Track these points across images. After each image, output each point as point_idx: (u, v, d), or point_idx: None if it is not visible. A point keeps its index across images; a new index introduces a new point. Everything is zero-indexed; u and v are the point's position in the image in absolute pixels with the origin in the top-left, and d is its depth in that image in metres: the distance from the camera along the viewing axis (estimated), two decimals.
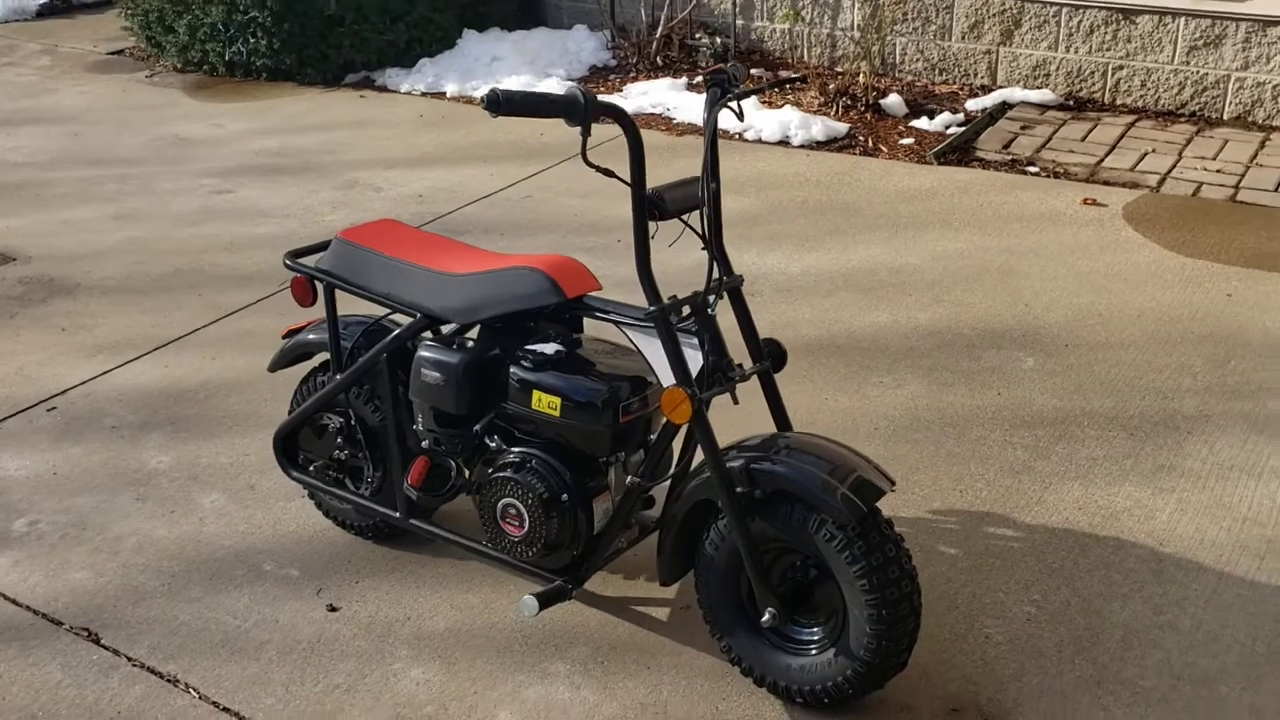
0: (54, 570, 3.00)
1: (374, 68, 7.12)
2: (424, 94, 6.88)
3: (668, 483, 2.64)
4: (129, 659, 2.70)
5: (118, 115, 6.76)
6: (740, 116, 2.45)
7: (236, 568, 2.99)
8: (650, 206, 2.31)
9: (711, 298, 2.40)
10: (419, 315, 2.65)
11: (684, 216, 2.36)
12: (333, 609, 2.83)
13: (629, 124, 2.22)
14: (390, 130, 6.29)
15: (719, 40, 6.93)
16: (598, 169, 2.22)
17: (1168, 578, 2.80)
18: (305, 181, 5.60)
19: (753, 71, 6.60)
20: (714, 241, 2.38)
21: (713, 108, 2.42)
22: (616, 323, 2.48)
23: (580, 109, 2.14)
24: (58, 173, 5.85)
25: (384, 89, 7.01)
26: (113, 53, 8.12)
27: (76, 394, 3.83)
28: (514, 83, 6.70)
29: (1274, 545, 2.89)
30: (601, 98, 2.40)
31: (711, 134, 2.37)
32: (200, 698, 2.58)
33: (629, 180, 2.28)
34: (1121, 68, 5.98)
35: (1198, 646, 2.59)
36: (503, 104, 2.07)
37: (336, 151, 6.00)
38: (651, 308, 2.32)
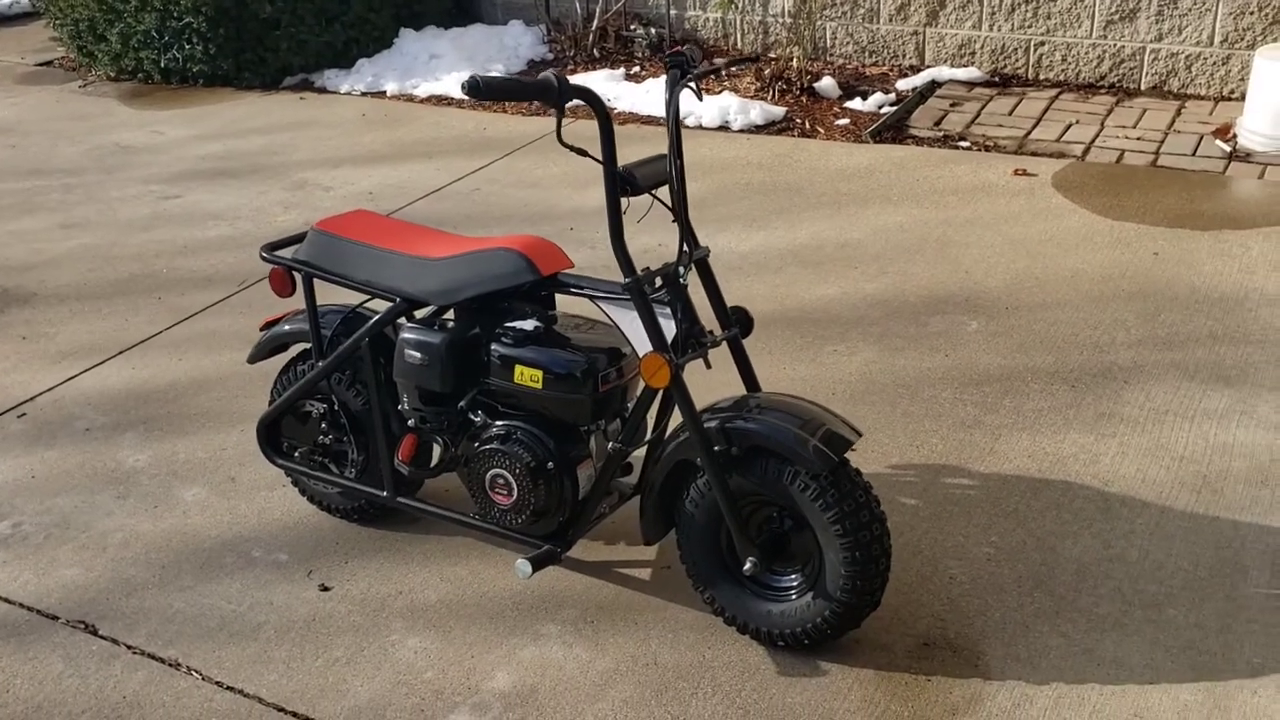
0: (43, 568, 3.05)
1: (312, 70, 7.15)
2: (364, 94, 6.93)
3: (643, 449, 2.76)
4: (128, 647, 2.77)
5: (53, 126, 6.73)
6: (700, 96, 2.58)
7: (225, 556, 3.06)
8: (622, 183, 2.43)
9: (682, 268, 2.53)
10: (398, 300, 2.75)
11: (654, 192, 2.49)
12: (325, 589, 2.92)
13: (600, 105, 2.34)
14: (333, 130, 6.34)
15: (653, 31, 7.07)
16: (571, 148, 2.33)
17: (1114, 514, 2.99)
18: (253, 184, 5.64)
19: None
20: (682, 215, 2.52)
21: (674, 88, 2.54)
22: (591, 296, 2.60)
23: (554, 91, 2.26)
24: None
25: (323, 90, 7.05)
26: (41, 64, 8.05)
27: (45, 400, 3.86)
28: (454, 79, 6.78)
29: (1209, 481, 3.10)
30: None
31: (675, 113, 2.50)
32: (203, 679, 2.66)
33: (600, 159, 2.39)
34: (1043, 44, 6.22)
35: (1145, 575, 2.78)
36: (483, 89, 2.18)
37: (281, 153, 6.03)
38: (627, 279, 2.45)
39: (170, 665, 2.71)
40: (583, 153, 2.38)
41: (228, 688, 2.63)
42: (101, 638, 2.80)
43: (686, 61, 2.56)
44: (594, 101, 2.33)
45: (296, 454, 3.07)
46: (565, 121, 2.31)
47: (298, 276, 2.90)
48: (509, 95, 2.24)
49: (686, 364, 2.53)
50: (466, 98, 6.51)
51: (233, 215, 5.28)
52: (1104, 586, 2.75)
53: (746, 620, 2.61)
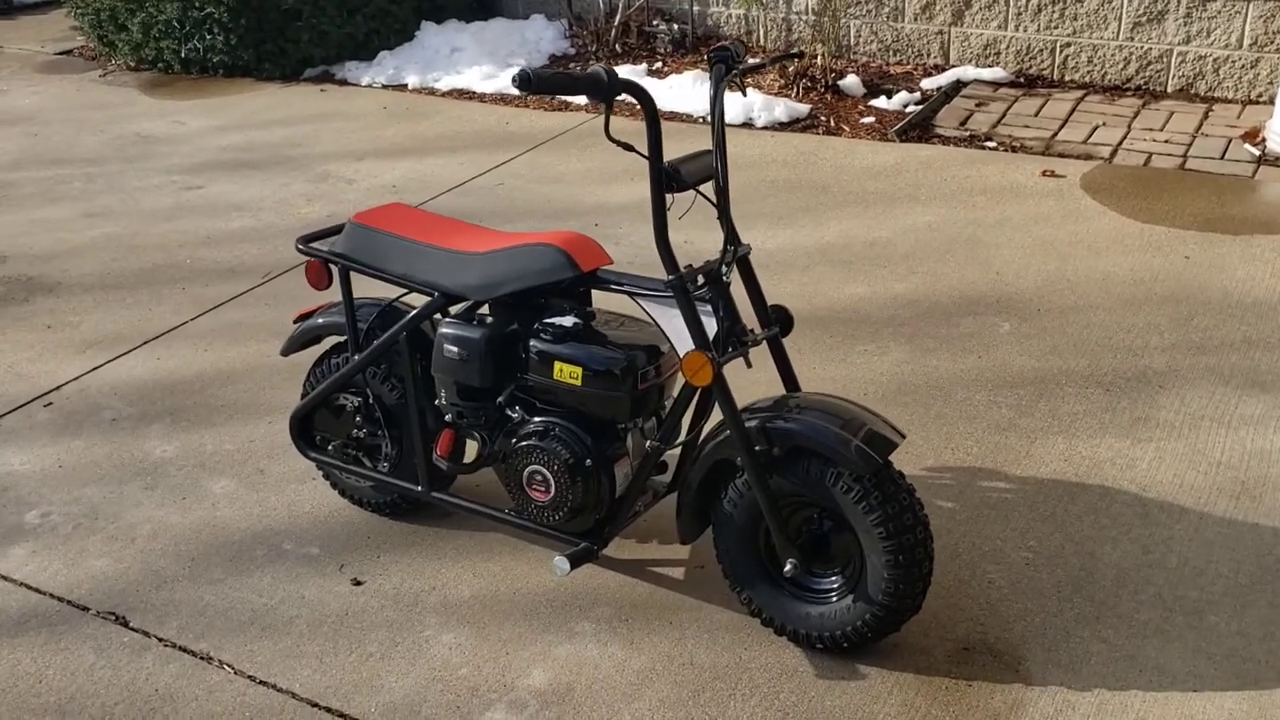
0: (73, 559, 3.04)
1: (333, 61, 7.13)
2: (385, 86, 6.91)
3: (678, 449, 2.74)
4: (160, 639, 2.75)
5: (75, 115, 6.71)
6: (744, 92, 2.56)
7: (256, 549, 3.05)
8: (667, 179, 2.40)
9: (725, 266, 2.51)
10: (436, 294, 2.73)
11: (698, 189, 2.47)
12: (357, 583, 2.90)
13: (648, 101, 2.32)
14: (355, 123, 6.32)
15: (676, 26, 7.04)
16: (619, 143, 2.31)
17: (1152, 520, 2.97)
18: (276, 175, 5.63)
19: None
20: (725, 212, 2.49)
21: (719, 84, 2.52)
22: (631, 293, 2.58)
23: (604, 86, 2.23)
24: (20, 173, 5.81)
25: (344, 82, 7.03)
26: (61, 53, 8.04)
27: (71, 389, 3.85)
28: (476, 73, 6.76)
29: (1247, 487, 3.07)
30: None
31: (719, 109, 2.47)
32: (236, 673, 2.65)
33: (647, 154, 2.37)
34: (1069, 45, 6.18)
35: (1186, 580, 2.76)
36: (534, 82, 2.16)
37: (303, 145, 6.02)
38: (671, 277, 2.43)
39: (202, 659, 2.69)
40: (629, 148, 2.36)
41: (260, 682, 2.62)
42: (133, 630, 2.79)
43: (731, 57, 2.55)
44: (643, 97, 2.30)
45: (330, 447, 3.05)
46: (612, 116, 2.29)
47: (334, 269, 2.88)
48: (559, 89, 2.22)
49: (728, 362, 2.51)
50: (489, 91, 6.53)
51: (256, 207, 5.26)
52: (1144, 592, 2.73)
53: (784, 622, 2.59)
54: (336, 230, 2.92)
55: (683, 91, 6.23)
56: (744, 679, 2.54)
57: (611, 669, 2.59)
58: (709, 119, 2.33)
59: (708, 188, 2.50)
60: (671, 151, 2.43)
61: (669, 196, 2.43)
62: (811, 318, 4.04)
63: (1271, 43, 5.73)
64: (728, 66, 2.54)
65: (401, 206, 2.93)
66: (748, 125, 5.92)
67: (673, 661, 2.60)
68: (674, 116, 6.10)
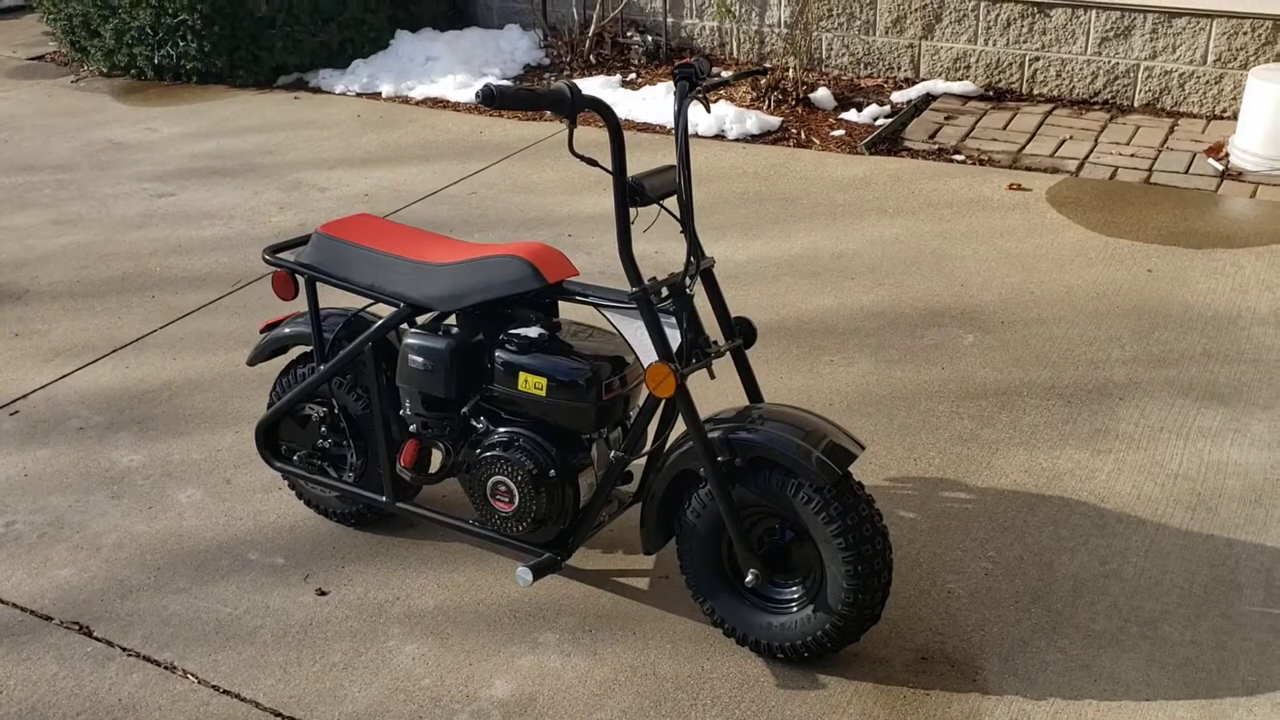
0: (36, 568, 3.03)
1: (307, 69, 7.13)
2: (359, 95, 6.91)
3: (643, 459, 2.76)
4: (123, 649, 2.75)
5: (45, 121, 6.69)
6: (708, 108, 2.59)
7: (221, 559, 3.05)
8: (631, 193, 2.43)
9: (689, 279, 2.54)
10: (402, 305, 2.74)
11: (662, 202, 2.49)
12: (322, 593, 2.91)
13: (611, 116, 2.34)
14: (328, 131, 6.32)
15: (650, 38, 7.08)
16: (583, 158, 2.33)
17: (1110, 531, 3.01)
18: (248, 183, 5.62)
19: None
20: (689, 226, 2.52)
21: (683, 100, 2.55)
22: (597, 305, 2.60)
23: (568, 102, 2.26)
24: None
25: (318, 90, 7.03)
26: (33, 58, 8.00)
27: (38, 397, 3.84)
28: (450, 82, 6.78)
29: (1204, 499, 3.12)
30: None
31: (684, 125, 2.50)
32: (200, 682, 2.65)
33: (611, 169, 2.40)
34: (1038, 59, 6.26)
35: (1142, 591, 2.80)
36: (496, 98, 2.18)
37: (276, 153, 6.02)
38: (635, 289, 2.45)
39: (166, 668, 2.69)
40: (593, 162, 2.38)
41: (224, 691, 2.62)
42: (96, 639, 2.79)
43: (695, 73, 2.58)
44: (606, 112, 2.33)
45: (295, 457, 3.06)
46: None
47: (300, 280, 2.89)
48: (523, 105, 2.24)
49: (691, 374, 2.54)
50: (463, 100, 6.55)
51: (227, 215, 5.26)
52: (1101, 603, 2.77)
53: (746, 632, 2.62)
54: (304, 240, 2.93)
55: (656, 103, 6.26)
56: (705, 689, 2.57)
57: (574, 679, 2.61)
58: (671, 131, 2.35)
59: (671, 202, 2.53)
60: (645, 162, 2.46)
61: (633, 210, 2.45)
62: (779, 329, 4.07)
63: (1235, 59, 5.82)
64: (691, 83, 2.57)
65: (368, 217, 2.95)
66: (719, 137, 5.96)
67: (635, 672, 2.62)
68: (647, 128, 6.14)
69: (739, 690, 2.56)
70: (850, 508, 2.43)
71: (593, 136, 5.33)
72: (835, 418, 3.51)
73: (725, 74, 2.92)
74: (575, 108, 2.27)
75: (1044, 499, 3.14)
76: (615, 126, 2.36)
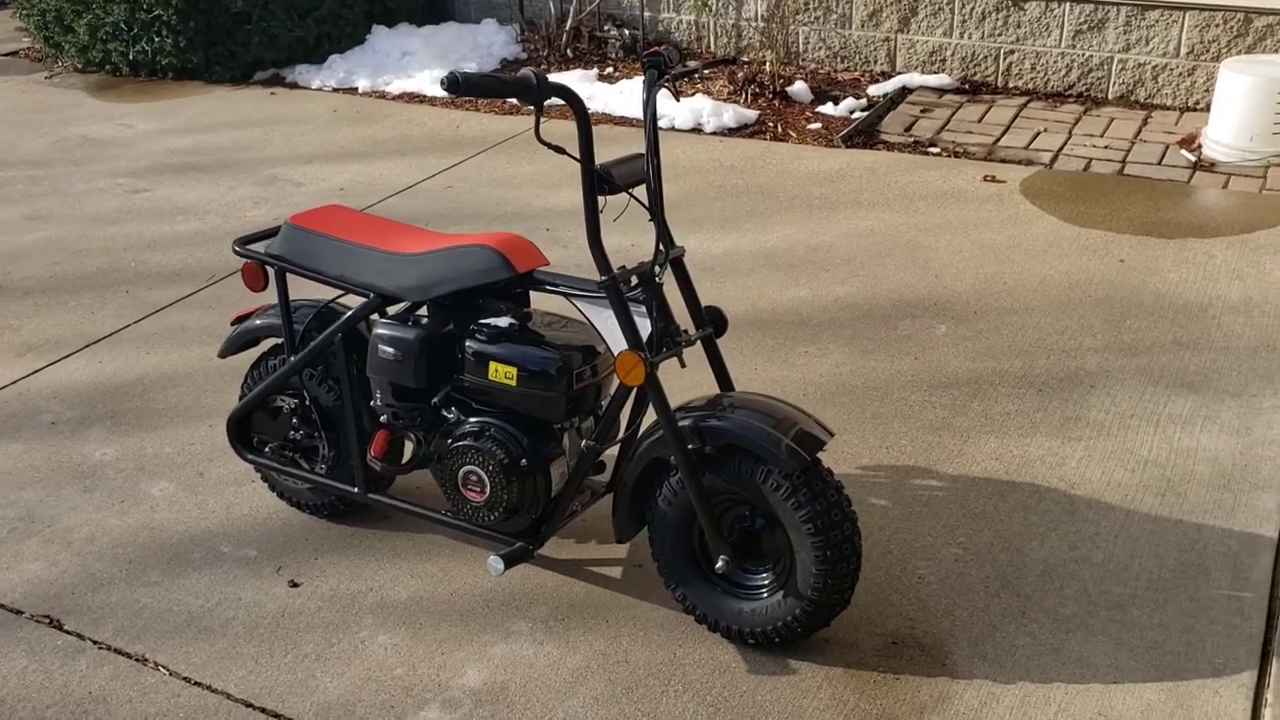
0: (7, 563, 3.02)
1: (283, 65, 7.10)
2: (335, 90, 6.89)
3: (616, 448, 2.77)
4: (94, 642, 2.74)
5: (18, 117, 6.65)
6: (677, 97, 2.60)
7: (194, 551, 3.04)
8: (599, 182, 2.43)
9: (658, 268, 2.54)
10: (372, 295, 2.74)
11: (631, 191, 2.50)
12: (294, 585, 2.90)
13: (578, 104, 2.34)
14: (304, 126, 6.30)
15: (627, 32, 7.08)
16: (550, 146, 2.34)
17: (1080, 517, 3.03)
18: (223, 179, 5.60)
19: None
20: (658, 214, 2.53)
21: (651, 89, 2.55)
22: (566, 294, 2.61)
23: (533, 89, 2.26)
24: None
25: (294, 85, 7.00)
26: (7, 54, 7.96)
27: (9, 393, 3.82)
28: (426, 76, 6.76)
29: (1173, 484, 3.14)
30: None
31: (652, 114, 2.51)
32: (170, 674, 2.64)
33: (579, 157, 2.40)
34: (1013, 52, 6.28)
35: (1110, 576, 2.82)
36: (461, 85, 2.18)
37: (252, 148, 5.99)
38: (604, 278, 2.46)
39: (137, 661, 2.69)
40: (561, 151, 2.38)
41: (195, 683, 2.61)
42: (67, 633, 2.77)
43: (664, 62, 2.58)
44: (573, 100, 2.33)
45: (267, 449, 3.05)
46: (542, 120, 2.32)
47: (270, 271, 2.89)
48: (488, 92, 2.24)
49: (661, 362, 2.54)
50: (439, 95, 6.55)
51: (202, 210, 5.24)
52: (1070, 587, 2.79)
53: (717, 618, 2.63)
54: (274, 232, 2.92)
55: (633, 96, 6.27)
56: (677, 675, 2.58)
57: (546, 667, 2.61)
58: (641, 122, 2.36)
59: (640, 191, 2.53)
60: (622, 155, 2.47)
61: (601, 199, 2.46)
62: (754, 321, 4.08)
63: (1207, 51, 5.85)
64: (660, 71, 2.57)
65: (338, 208, 2.94)
66: (696, 130, 5.97)
67: (607, 659, 2.63)
68: (624, 121, 6.14)
69: (710, 676, 2.57)
70: (819, 494, 2.44)
71: (568, 130, 5.33)
72: (809, 408, 3.53)
73: (693, 64, 2.93)
74: (542, 95, 2.27)
75: (1015, 486, 3.16)
76: (583, 114, 2.36)
